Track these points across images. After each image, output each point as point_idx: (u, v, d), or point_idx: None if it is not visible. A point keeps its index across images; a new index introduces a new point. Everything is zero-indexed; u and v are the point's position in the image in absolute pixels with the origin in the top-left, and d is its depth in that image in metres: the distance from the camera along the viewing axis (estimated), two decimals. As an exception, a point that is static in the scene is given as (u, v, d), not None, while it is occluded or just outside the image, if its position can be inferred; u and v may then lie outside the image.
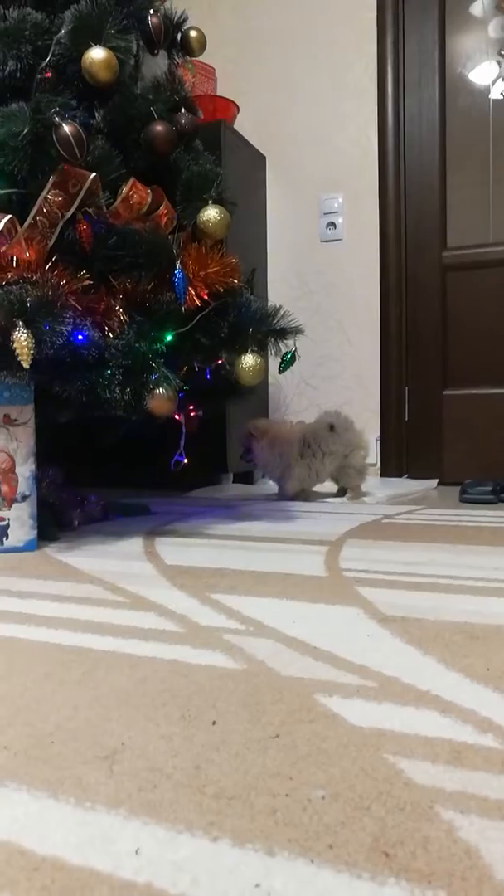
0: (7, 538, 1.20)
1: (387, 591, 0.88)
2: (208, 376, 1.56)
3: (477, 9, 2.36)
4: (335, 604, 0.83)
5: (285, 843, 0.36)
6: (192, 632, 0.73)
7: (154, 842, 0.36)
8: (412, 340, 2.44)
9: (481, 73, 2.37)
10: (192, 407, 1.65)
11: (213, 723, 0.50)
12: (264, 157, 2.57)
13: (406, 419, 2.45)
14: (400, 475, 2.42)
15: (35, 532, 1.22)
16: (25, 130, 1.13)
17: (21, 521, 1.21)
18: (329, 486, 2.01)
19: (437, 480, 2.32)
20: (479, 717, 0.50)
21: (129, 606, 0.83)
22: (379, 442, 2.47)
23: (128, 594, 0.89)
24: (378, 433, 2.47)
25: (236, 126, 2.42)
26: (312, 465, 1.89)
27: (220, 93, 2.50)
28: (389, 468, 2.45)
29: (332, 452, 1.89)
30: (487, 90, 2.37)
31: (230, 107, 2.40)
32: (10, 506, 1.20)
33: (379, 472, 2.46)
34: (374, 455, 2.48)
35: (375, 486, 2.17)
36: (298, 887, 0.32)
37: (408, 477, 2.41)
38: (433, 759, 0.44)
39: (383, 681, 0.58)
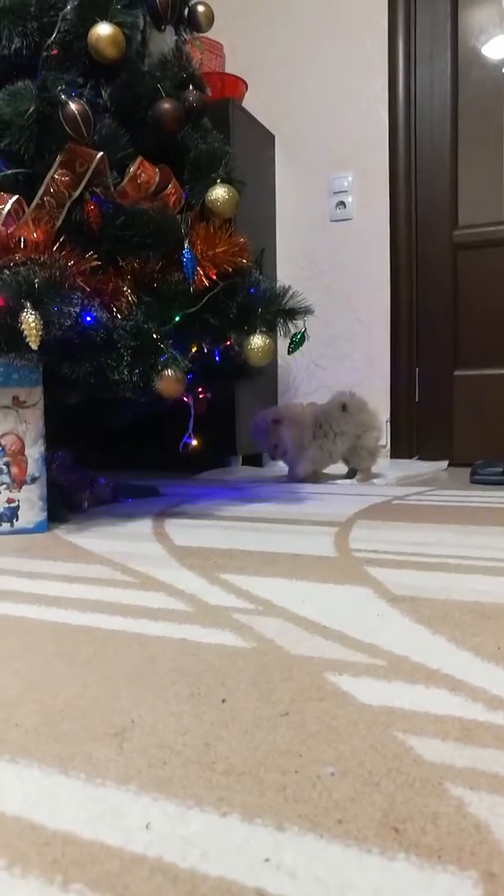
0: (17, 520, 1.20)
1: (396, 572, 0.88)
2: (217, 357, 1.55)
3: (490, -20, 2.31)
4: (344, 584, 0.83)
5: (295, 818, 0.36)
6: (202, 611, 0.73)
7: (164, 817, 0.36)
8: (423, 320, 2.42)
9: (495, 47, 2.32)
10: (200, 388, 1.64)
11: (223, 701, 0.51)
12: (273, 136, 2.54)
13: (416, 400, 2.44)
14: (410, 457, 2.41)
15: (45, 514, 1.22)
16: (31, 109, 1.12)
17: (31, 503, 1.21)
18: (339, 467, 2.00)
19: (447, 462, 2.31)
20: (489, 696, 0.50)
21: (138, 587, 0.84)
22: (389, 423, 2.46)
23: (137, 574, 0.90)
24: (388, 414, 2.46)
25: (245, 104, 2.39)
26: (325, 446, 1.87)
27: (228, 70, 2.46)
28: (400, 449, 2.44)
29: (343, 433, 1.87)
30: (501, 64, 2.32)
31: (238, 84, 2.37)
32: (20, 488, 1.20)
33: (389, 453, 2.45)
34: (384, 437, 2.47)
35: (386, 467, 2.16)
36: (308, 862, 0.32)
37: (418, 458, 2.40)
38: (443, 736, 0.44)
39: (393, 660, 0.58)
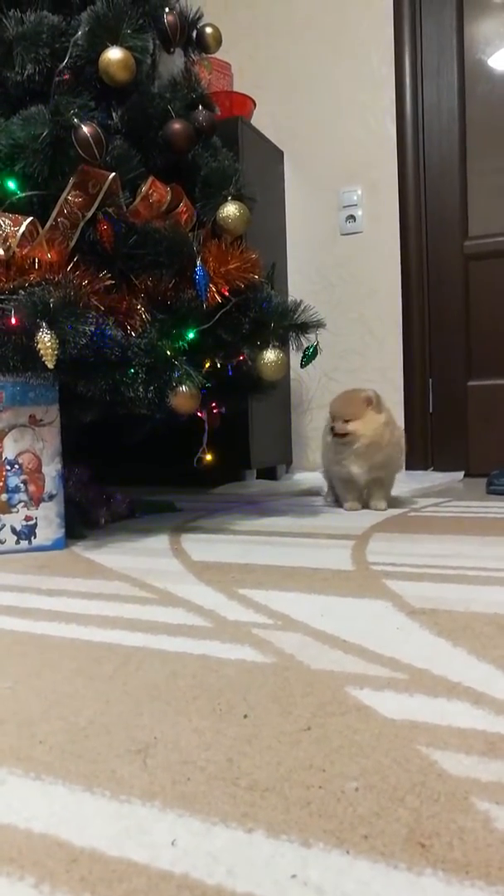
0: (35, 537, 1.21)
1: (415, 584, 0.88)
2: (230, 372, 1.56)
3: (495, -7, 2.33)
4: (363, 597, 0.83)
5: (320, 834, 0.36)
6: (221, 626, 0.73)
7: (189, 833, 0.36)
8: (435, 331, 2.42)
9: (501, 59, 2.34)
10: (214, 403, 1.65)
11: (245, 716, 0.51)
12: (282, 152, 2.57)
13: (430, 411, 2.43)
14: (425, 468, 2.41)
15: (63, 530, 1.23)
16: (45, 133, 1.14)
17: (49, 520, 1.22)
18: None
19: (463, 473, 2.30)
20: (512, 709, 0.50)
21: (157, 602, 0.84)
22: (403, 435, 2.45)
23: (156, 590, 0.90)
24: (402, 425, 2.45)
25: (253, 121, 2.42)
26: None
27: (236, 88, 2.49)
28: (415, 461, 2.43)
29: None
30: (507, 76, 2.33)
31: (247, 102, 2.40)
32: (38, 505, 1.21)
33: (403, 465, 2.45)
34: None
35: (400, 479, 2.15)
36: (335, 878, 0.32)
37: (433, 469, 2.39)
38: (467, 750, 0.44)
39: (414, 673, 0.58)
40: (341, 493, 1.64)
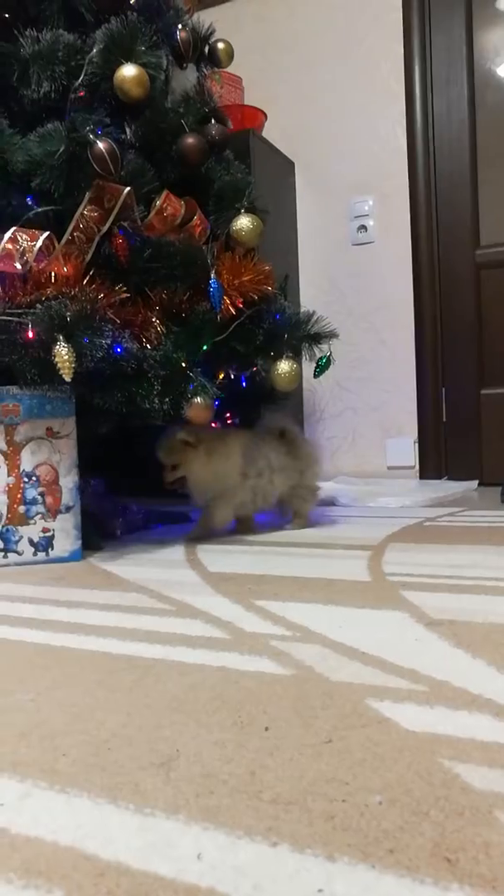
0: (52, 548, 1.22)
1: (432, 595, 0.88)
2: (244, 383, 1.56)
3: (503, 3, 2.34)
4: (381, 608, 0.83)
5: (345, 848, 0.36)
6: (239, 638, 0.73)
7: (215, 847, 0.36)
8: (447, 340, 2.42)
9: (511, 69, 2.34)
10: (227, 414, 1.66)
11: (266, 728, 0.51)
12: (293, 163, 2.58)
13: (444, 420, 2.43)
14: (439, 477, 2.40)
15: (80, 542, 1.24)
16: (61, 149, 1.16)
17: (66, 532, 1.23)
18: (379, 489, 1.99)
19: (477, 481, 2.29)
20: (534, 721, 0.50)
21: (175, 614, 0.84)
22: (417, 444, 2.45)
23: (173, 602, 0.90)
24: (416, 435, 2.45)
25: (264, 133, 2.44)
26: (259, 487, 1.43)
27: (247, 101, 2.52)
28: (428, 470, 2.43)
29: (283, 468, 1.45)
30: (517, 85, 2.34)
31: (258, 115, 2.42)
32: (55, 517, 1.22)
33: (418, 474, 2.44)
34: (412, 457, 2.46)
35: (414, 488, 2.15)
36: (361, 892, 0.32)
37: (447, 478, 2.39)
38: (490, 763, 0.44)
39: (434, 685, 0.58)
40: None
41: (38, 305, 1.11)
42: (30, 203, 1.22)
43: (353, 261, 2.55)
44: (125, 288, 1.22)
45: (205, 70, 1.58)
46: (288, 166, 2.56)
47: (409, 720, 0.51)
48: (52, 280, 1.17)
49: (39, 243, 1.17)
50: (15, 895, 0.33)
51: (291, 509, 1.53)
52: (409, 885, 0.33)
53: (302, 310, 1.56)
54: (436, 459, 2.43)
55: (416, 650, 0.67)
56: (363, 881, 0.33)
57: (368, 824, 0.38)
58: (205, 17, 1.56)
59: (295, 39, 2.61)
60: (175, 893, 0.33)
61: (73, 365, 1.07)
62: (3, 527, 1.19)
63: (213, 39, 1.54)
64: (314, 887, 0.33)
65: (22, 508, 1.20)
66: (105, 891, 0.33)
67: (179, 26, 1.41)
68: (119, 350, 1.16)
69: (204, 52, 1.53)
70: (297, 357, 1.49)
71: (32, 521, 1.21)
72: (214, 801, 0.41)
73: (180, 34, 1.41)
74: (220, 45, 1.54)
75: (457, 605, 0.82)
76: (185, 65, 1.47)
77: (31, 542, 1.21)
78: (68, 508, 1.23)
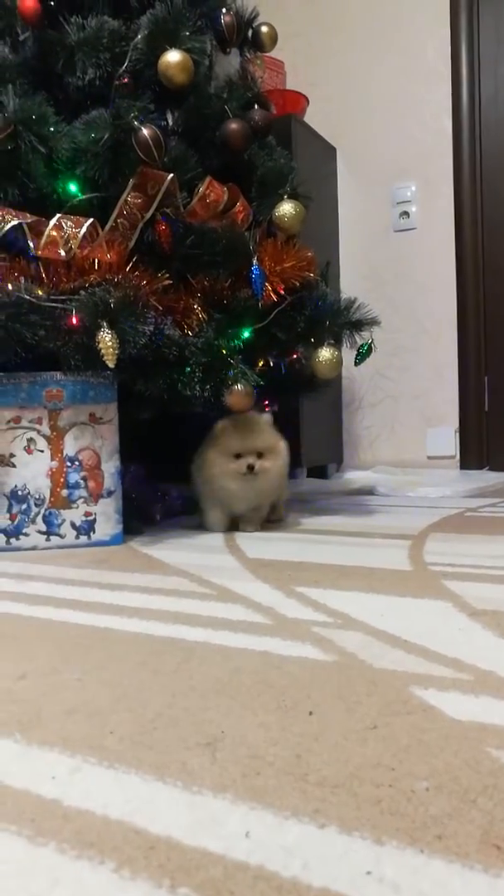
0: (94, 532, 1.24)
1: (475, 585, 0.87)
2: (283, 370, 1.56)
3: None
4: (423, 597, 0.82)
5: (393, 832, 0.36)
6: (280, 624, 0.73)
7: (262, 826, 0.37)
8: (491, 328, 2.38)
9: None
10: (266, 402, 1.66)
11: (310, 713, 0.51)
12: (335, 149, 2.56)
13: (486, 409, 2.39)
14: (480, 467, 2.37)
15: (121, 526, 1.25)
16: (106, 136, 1.17)
17: (107, 516, 1.24)
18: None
19: (519, 472, 2.26)
20: None
21: (215, 598, 0.85)
22: (458, 433, 2.42)
23: (213, 586, 0.91)
24: (457, 424, 2.42)
25: (306, 119, 2.41)
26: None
27: (288, 86, 2.49)
28: (469, 460, 2.39)
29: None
30: None
31: (300, 100, 2.39)
32: (97, 501, 1.24)
33: (458, 464, 2.41)
34: (453, 447, 2.43)
35: (455, 478, 2.12)
36: (411, 876, 0.32)
37: (489, 469, 2.35)
38: (538, 754, 0.43)
39: (479, 674, 0.57)
40: (211, 519, 1.38)
41: (82, 292, 1.13)
42: (74, 190, 1.23)
43: (395, 247, 2.51)
44: (168, 274, 1.22)
45: (248, 54, 1.57)
46: (329, 152, 2.53)
47: (455, 709, 0.51)
48: (96, 267, 1.18)
49: (83, 230, 1.18)
50: (68, 865, 0.34)
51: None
52: (459, 870, 0.32)
53: (343, 297, 1.55)
54: (477, 449, 2.39)
55: (460, 639, 0.66)
56: (412, 865, 0.33)
57: (416, 810, 0.38)
58: (248, 1, 1.54)
59: (337, 22, 2.57)
60: (225, 869, 0.33)
61: (116, 351, 1.08)
62: (46, 510, 1.22)
63: (256, 23, 1.53)
64: (363, 869, 0.33)
65: (65, 492, 1.22)
66: (156, 864, 0.34)
67: (223, 10, 1.40)
68: (161, 337, 1.17)
69: (247, 37, 1.52)
70: (338, 344, 1.48)
71: (75, 505, 1.23)
72: (261, 781, 0.42)
73: (224, 18, 1.40)
74: (264, 29, 1.53)
75: (500, 596, 0.81)
76: (228, 49, 1.46)
77: (73, 525, 1.23)
78: (110, 493, 1.24)
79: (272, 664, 0.61)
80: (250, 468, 1.27)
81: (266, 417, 1.34)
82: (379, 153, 2.52)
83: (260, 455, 1.28)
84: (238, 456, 1.28)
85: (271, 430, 1.33)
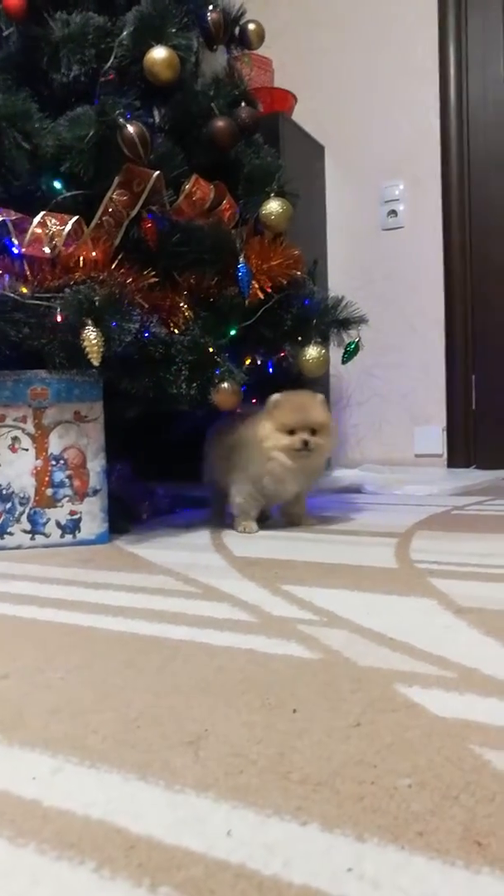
0: (80, 531, 1.23)
1: (461, 583, 0.87)
2: (270, 368, 1.56)
3: (542, -19, 2.28)
4: (408, 595, 0.82)
5: (374, 829, 0.36)
6: (266, 622, 0.73)
7: (244, 825, 0.37)
8: (478, 328, 2.39)
9: (547, 48, 2.29)
10: (254, 399, 1.65)
11: (294, 711, 0.51)
12: (322, 147, 2.56)
13: (473, 408, 2.40)
14: (467, 466, 2.38)
15: (106, 525, 1.25)
16: (91, 133, 1.16)
17: (93, 515, 1.24)
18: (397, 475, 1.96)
19: (506, 470, 2.27)
20: None
21: (201, 597, 0.85)
22: (445, 432, 2.43)
23: (199, 585, 0.91)
24: (444, 423, 2.43)
25: (294, 116, 2.41)
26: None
27: (276, 84, 2.49)
28: (456, 458, 2.40)
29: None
30: None
31: (287, 98, 2.39)
32: (83, 500, 1.23)
33: (446, 462, 2.42)
34: (440, 445, 2.44)
35: (442, 476, 2.13)
36: (391, 873, 0.32)
37: (475, 467, 2.36)
38: (521, 750, 0.43)
39: (463, 672, 0.57)
40: (246, 508, 1.34)
41: (67, 289, 1.12)
42: (59, 187, 1.22)
43: (383, 246, 2.52)
44: (154, 272, 1.22)
45: (235, 52, 1.56)
46: (317, 150, 2.53)
47: (439, 706, 0.51)
48: (81, 264, 1.18)
49: (68, 227, 1.18)
50: (48, 865, 0.34)
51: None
52: (440, 867, 0.32)
53: (331, 295, 1.55)
54: (464, 448, 2.40)
55: (445, 637, 0.66)
56: (393, 861, 0.33)
57: (398, 807, 0.38)
58: (235, -2, 1.54)
59: (325, 20, 2.57)
60: (206, 868, 0.33)
61: (101, 349, 1.08)
62: (31, 509, 1.21)
63: (243, 20, 1.52)
64: (344, 866, 0.33)
65: (49, 491, 1.21)
66: (136, 863, 0.34)
67: (210, 7, 1.40)
68: (147, 335, 1.17)
69: (234, 34, 1.52)
70: (325, 343, 1.48)
71: (60, 504, 1.22)
72: (244, 780, 0.41)
73: (211, 15, 1.39)
74: (251, 27, 1.52)
75: (486, 594, 0.81)
76: (215, 47, 1.45)
77: (58, 524, 1.22)
78: (95, 491, 1.24)
79: (257, 662, 0.61)
80: (305, 444, 1.25)
81: (319, 396, 1.33)
82: (367, 152, 2.52)
83: (313, 432, 1.27)
84: (292, 432, 1.26)
85: (324, 406, 1.32)
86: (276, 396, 1.29)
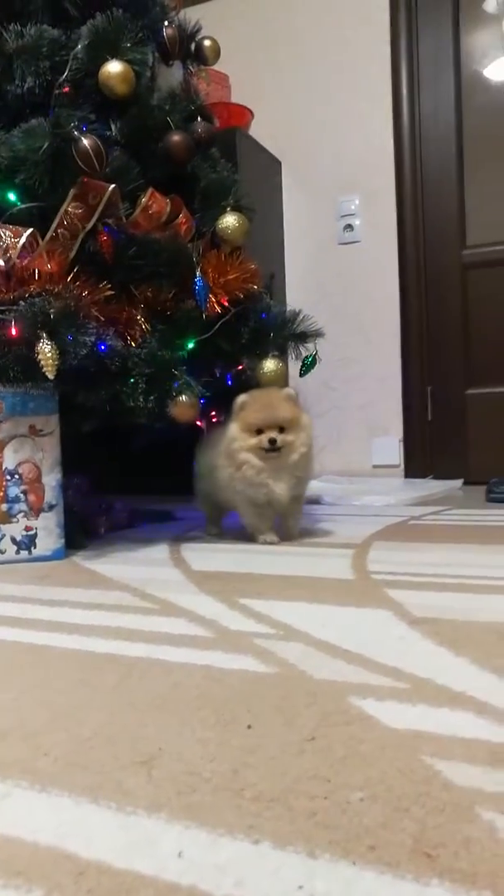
0: (35, 547, 1.21)
1: (416, 593, 0.88)
2: (229, 381, 1.56)
3: (490, 5, 2.36)
4: (364, 606, 0.83)
5: (326, 845, 0.36)
6: (223, 637, 0.73)
7: (196, 845, 0.36)
8: (433, 340, 2.43)
9: (497, 69, 2.36)
10: (213, 413, 1.65)
11: (249, 727, 0.51)
12: (279, 162, 2.58)
13: (429, 419, 2.44)
14: (424, 476, 2.41)
15: (63, 541, 1.23)
16: (45, 145, 1.15)
17: (48, 530, 1.22)
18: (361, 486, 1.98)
19: (462, 480, 2.31)
20: (515, 718, 0.50)
21: (158, 613, 0.84)
22: (402, 442, 2.46)
23: (156, 600, 0.90)
24: (401, 434, 2.46)
25: (251, 132, 2.43)
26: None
27: (234, 100, 2.51)
28: (413, 469, 2.44)
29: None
30: (503, 86, 2.35)
31: (245, 113, 2.41)
32: (38, 515, 1.21)
33: (403, 473, 2.45)
34: (398, 456, 2.47)
35: (399, 487, 2.16)
36: (342, 889, 0.32)
37: (433, 477, 2.40)
38: (471, 760, 0.44)
39: (417, 682, 0.58)
40: (254, 521, 1.33)
41: (22, 302, 1.11)
42: (13, 199, 1.21)
43: (340, 260, 2.55)
44: (110, 285, 1.21)
45: (191, 67, 1.58)
46: (275, 165, 2.56)
47: (392, 718, 0.51)
48: (36, 277, 1.16)
49: (23, 240, 1.16)
50: (-6, 895, 0.33)
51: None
52: (390, 880, 0.33)
53: (288, 308, 1.56)
54: (421, 458, 2.44)
55: (400, 648, 0.67)
56: (344, 877, 0.33)
57: (350, 821, 0.38)
58: (191, 15, 1.55)
59: (282, 38, 2.61)
60: (156, 891, 0.33)
61: (56, 362, 1.07)
62: (-15, 525, 1.18)
63: (199, 37, 1.53)
64: (295, 884, 0.33)
65: (4, 507, 1.19)
66: (85, 889, 0.33)
67: (166, 23, 1.41)
68: (103, 347, 1.16)
69: (190, 50, 1.53)
70: (282, 356, 1.49)
71: (15, 520, 1.20)
72: (196, 799, 0.41)
73: (167, 31, 1.40)
74: (207, 43, 1.54)
75: (440, 604, 0.83)
76: (171, 62, 1.46)
77: (13, 540, 1.20)
78: (51, 507, 1.22)
79: (213, 678, 0.61)
80: (272, 442, 1.23)
81: (288, 391, 1.31)
82: (323, 167, 2.56)
83: (281, 430, 1.25)
84: (260, 432, 1.25)
85: (292, 402, 1.29)
86: (242, 397, 1.28)
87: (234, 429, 1.27)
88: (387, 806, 0.39)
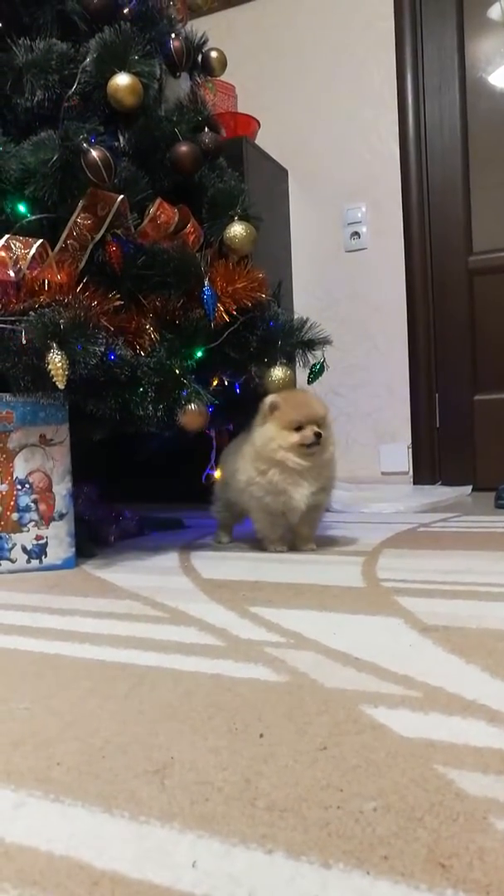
0: (46, 556, 1.22)
1: (426, 601, 0.88)
2: (237, 390, 1.57)
3: (494, 13, 2.36)
4: (375, 614, 0.83)
5: (340, 855, 0.36)
6: (233, 645, 0.73)
7: (209, 855, 0.36)
8: (440, 346, 2.43)
9: (501, 76, 2.36)
10: (224, 421, 1.66)
11: (261, 735, 0.51)
12: (286, 171, 2.60)
13: (437, 426, 2.44)
14: (433, 482, 2.41)
15: (73, 549, 1.23)
16: (55, 158, 1.16)
17: (59, 539, 1.22)
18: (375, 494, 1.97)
19: (471, 486, 2.30)
20: (527, 727, 0.50)
21: (169, 621, 0.84)
22: (411, 449, 2.46)
23: (167, 609, 0.90)
24: (410, 440, 2.46)
25: (258, 141, 2.45)
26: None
27: (240, 109, 2.53)
28: (422, 475, 2.43)
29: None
30: (508, 93, 2.36)
31: (251, 123, 2.43)
32: (49, 524, 1.22)
33: (412, 479, 2.45)
34: (406, 463, 2.47)
35: (408, 493, 2.15)
36: (356, 899, 0.32)
37: (441, 484, 2.39)
38: (484, 769, 0.44)
39: (428, 691, 0.58)
40: (266, 529, 1.31)
41: (32, 313, 1.12)
42: (23, 211, 1.22)
43: (347, 267, 2.56)
44: (119, 295, 1.22)
45: (198, 78, 1.59)
46: (281, 174, 2.57)
47: (404, 726, 0.51)
48: (46, 287, 1.17)
49: (33, 251, 1.17)
50: (9, 905, 0.33)
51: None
52: (404, 890, 0.33)
53: (295, 316, 1.57)
54: (429, 465, 2.43)
55: (411, 656, 0.67)
56: (358, 887, 0.33)
57: (363, 831, 0.38)
58: (198, 26, 1.57)
59: (288, 48, 2.62)
60: (170, 902, 0.33)
61: (66, 372, 1.08)
62: (-4, 534, 1.19)
63: (206, 48, 1.55)
64: (310, 893, 0.33)
65: (15, 516, 1.20)
66: (100, 900, 0.33)
67: (173, 35, 1.42)
68: (113, 357, 1.17)
69: (197, 61, 1.54)
70: (290, 363, 1.49)
71: (26, 529, 1.20)
72: (209, 808, 0.41)
73: (174, 43, 1.41)
74: (214, 54, 1.55)
75: (451, 611, 0.82)
76: (178, 73, 1.47)
77: (24, 549, 1.20)
78: (62, 516, 1.22)
79: (224, 687, 0.61)
80: (318, 436, 1.19)
81: (308, 388, 1.29)
82: (330, 175, 2.57)
83: (319, 426, 1.22)
84: (299, 428, 1.20)
85: (321, 400, 1.28)
86: (271, 397, 1.25)
87: (270, 429, 1.22)
88: (400, 815, 0.39)
